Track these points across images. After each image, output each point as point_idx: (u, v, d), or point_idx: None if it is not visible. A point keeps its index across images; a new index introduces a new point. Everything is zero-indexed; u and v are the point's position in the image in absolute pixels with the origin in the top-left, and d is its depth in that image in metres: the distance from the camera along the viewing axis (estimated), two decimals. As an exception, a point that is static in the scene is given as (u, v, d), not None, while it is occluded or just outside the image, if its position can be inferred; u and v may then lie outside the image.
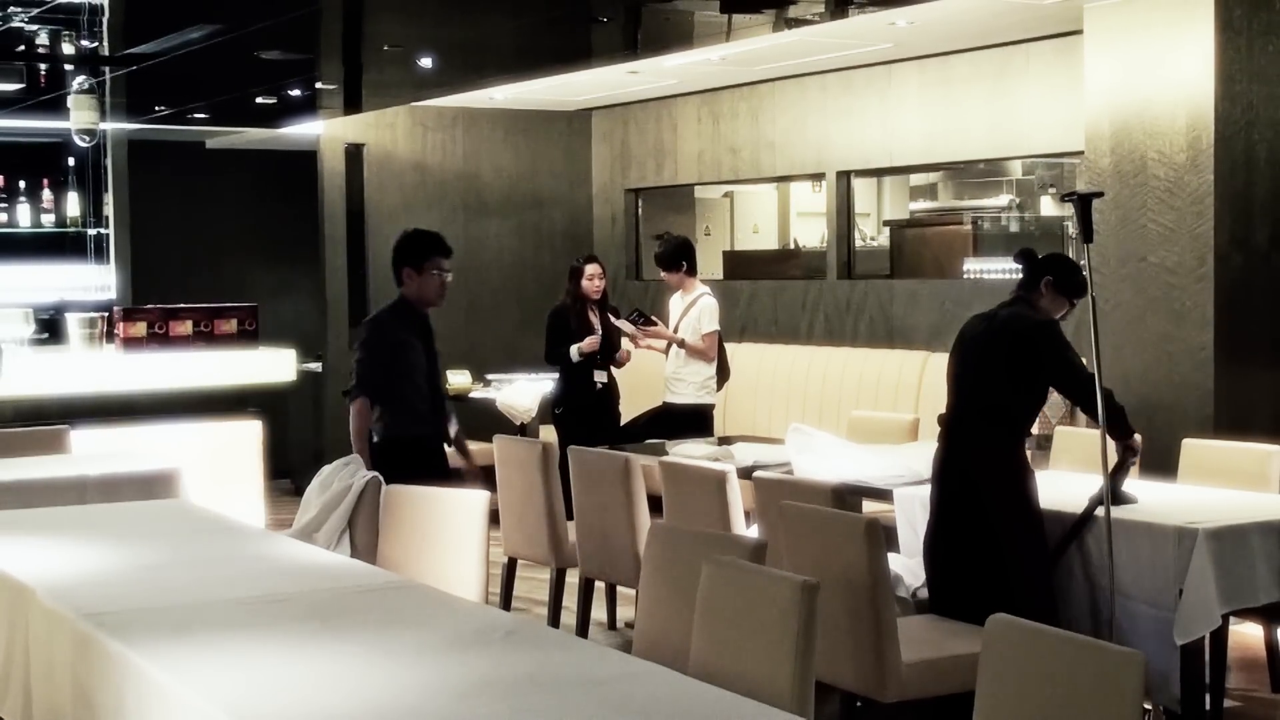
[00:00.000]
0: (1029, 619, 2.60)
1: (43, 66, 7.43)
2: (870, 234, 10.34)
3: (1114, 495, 4.27)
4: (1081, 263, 4.48)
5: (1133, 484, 4.44)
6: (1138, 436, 4.38)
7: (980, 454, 4.31)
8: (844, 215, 8.23)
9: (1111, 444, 4.27)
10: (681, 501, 5.01)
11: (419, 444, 5.06)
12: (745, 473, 5.19)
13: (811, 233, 10.53)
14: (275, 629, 2.84)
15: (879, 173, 9.31)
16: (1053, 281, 4.40)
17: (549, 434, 7.49)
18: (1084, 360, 4.38)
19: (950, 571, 4.32)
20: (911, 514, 4.74)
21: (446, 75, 7.81)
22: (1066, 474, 4.98)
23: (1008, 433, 4.32)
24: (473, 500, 3.83)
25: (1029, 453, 4.41)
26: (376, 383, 5.01)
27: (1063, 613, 4.21)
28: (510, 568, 5.78)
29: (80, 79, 6.68)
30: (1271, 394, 6.05)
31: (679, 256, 7.07)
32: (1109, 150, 6.21)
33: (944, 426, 4.44)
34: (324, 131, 9.15)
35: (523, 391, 7.93)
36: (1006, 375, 4.31)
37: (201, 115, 8.78)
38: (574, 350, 7.08)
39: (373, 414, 5.04)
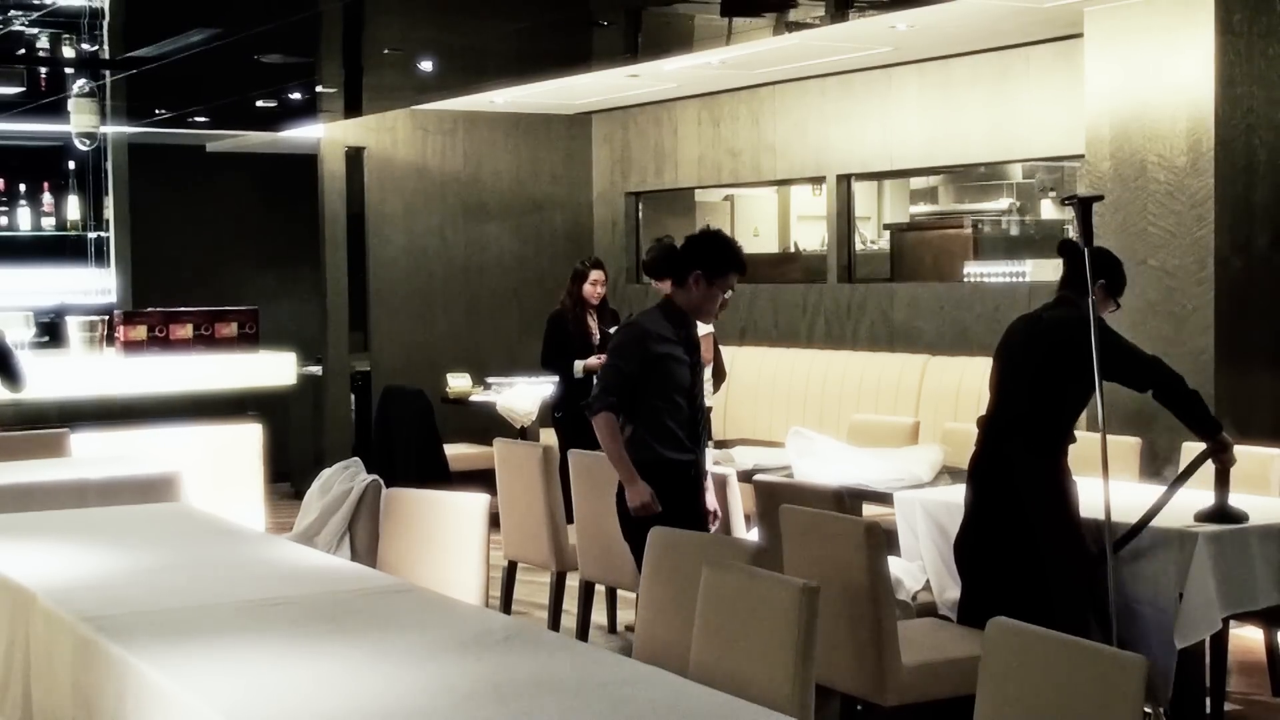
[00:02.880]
0: (1066, 631, 2.58)
1: (43, 70, 7.44)
2: (870, 237, 10.34)
3: (1222, 512, 4.14)
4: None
5: (1132, 487, 4.44)
6: (1224, 434, 4.22)
7: (1024, 459, 4.24)
8: (844, 218, 8.22)
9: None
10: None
11: (674, 469, 4.31)
12: (746, 476, 5.19)
13: (812, 236, 10.54)
14: (275, 632, 2.83)
15: (879, 176, 9.29)
16: (1105, 285, 4.33)
17: (549, 437, 7.49)
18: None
19: (985, 579, 4.25)
20: (912, 517, 4.74)
21: (447, 79, 7.81)
22: (1087, 480, 4.97)
23: (1053, 438, 4.26)
24: (473, 504, 3.82)
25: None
26: (622, 397, 4.26)
27: (1095, 623, 4.14)
28: (510, 571, 5.78)
29: (81, 82, 6.68)
30: (1272, 397, 6.05)
31: (667, 264, 7.06)
32: (1109, 154, 6.21)
33: (983, 429, 4.38)
34: (324, 135, 9.16)
35: (523, 395, 7.93)
36: (1056, 377, 4.24)
37: (202, 119, 8.78)
38: (578, 366, 7.08)
39: (623, 431, 4.32)
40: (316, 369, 9.18)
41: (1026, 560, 4.19)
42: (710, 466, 4.49)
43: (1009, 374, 4.37)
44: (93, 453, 5.53)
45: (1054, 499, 4.22)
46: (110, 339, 6.49)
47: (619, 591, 5.68)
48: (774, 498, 4.53)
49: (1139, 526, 4.13)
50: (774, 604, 2.78)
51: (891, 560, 4.16)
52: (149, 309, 6.66)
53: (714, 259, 4.31)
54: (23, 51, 7.27)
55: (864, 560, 3.78)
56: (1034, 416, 4.27)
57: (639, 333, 4.33)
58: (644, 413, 4.29)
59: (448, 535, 3.84)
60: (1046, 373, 4.26)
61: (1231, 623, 4.38)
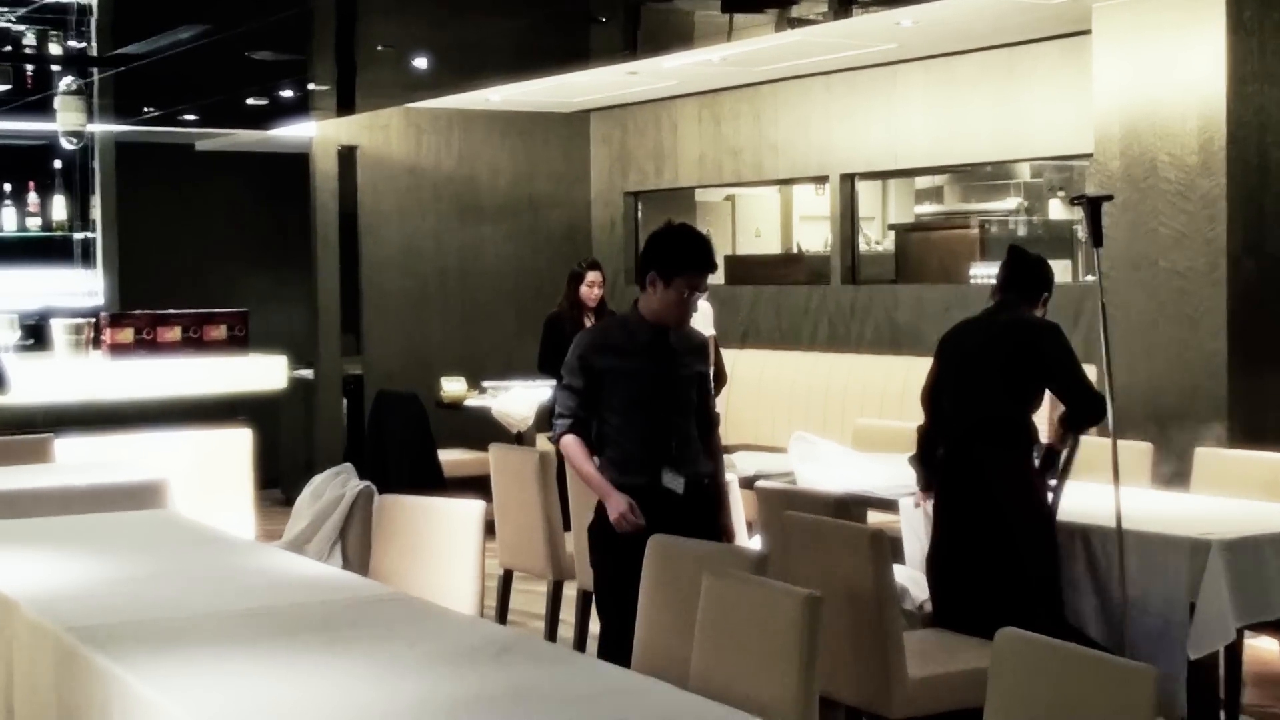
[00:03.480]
0: (1045, 632, 2.59)
1: (29, 67, 7.43)
2: (875, 238, 10.34)
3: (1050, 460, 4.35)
4: (1090, 277, 4.51)
5: (1143, 494, 4.43)
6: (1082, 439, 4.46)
7: (997, 465, 4.31)
8: (848, 219, 8.22)
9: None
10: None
11: (636, 495, 3.96)
12: (747, 482, 5.18)
13: (815, 237, 10.53)
14: (265, 643, 2.83)
15: (883, 175, 9.29)
16: (1048, 297, 4.53)
17: (546, 443, 7.48)
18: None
19: (962, 585, 4.32)
20: (917, 525, 4.73)
21: (441, 76, 7.81)
22: (1075, 484, 4.97)
23: (1023, 437, 4.35)
24: (468, 511, 3.82)
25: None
26: (580, 415, 4.02)
27: (1074, 625, 4.21)
28: (506, 580, 5.77)
29: (67, 80, 6.68)
30: (1286, 401, 6.04)
31: None
32: (1119, 153, 6.20)
33: (947, 438, 4.44)
34: (316, 133, 9.15)
35: (519, 399, 7.92)
36: (1020, 377, 4.34)
37: (191, 117, 8.77)
38: None
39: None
40: (308, 373, 9.17)
41: (1005, 562, 4.23)
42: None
43: (967, 378, 4.45)
44: (78, 458, 5.52)
45: (1029, 497, 4.29)
46: (96, 342, 6.48)
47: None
48: (776, 504, 4.52)
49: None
50: (776, 614, 2.77)
51: (897, 569, 4.14)
52: (136, 311, 6.64)
53: (666, 257, 3.97)
54: (9, 48, 7.26)
55: (868, 568, 3.77)
56: (1002, 417, 4.34)
57: (580, 344, 4.09)
58: (599, 432, 4.05)
59: (442, 543, 3.83)
60: (1012, 373, 4.35)
61: (1246, 633, 4.37)
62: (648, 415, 4.02)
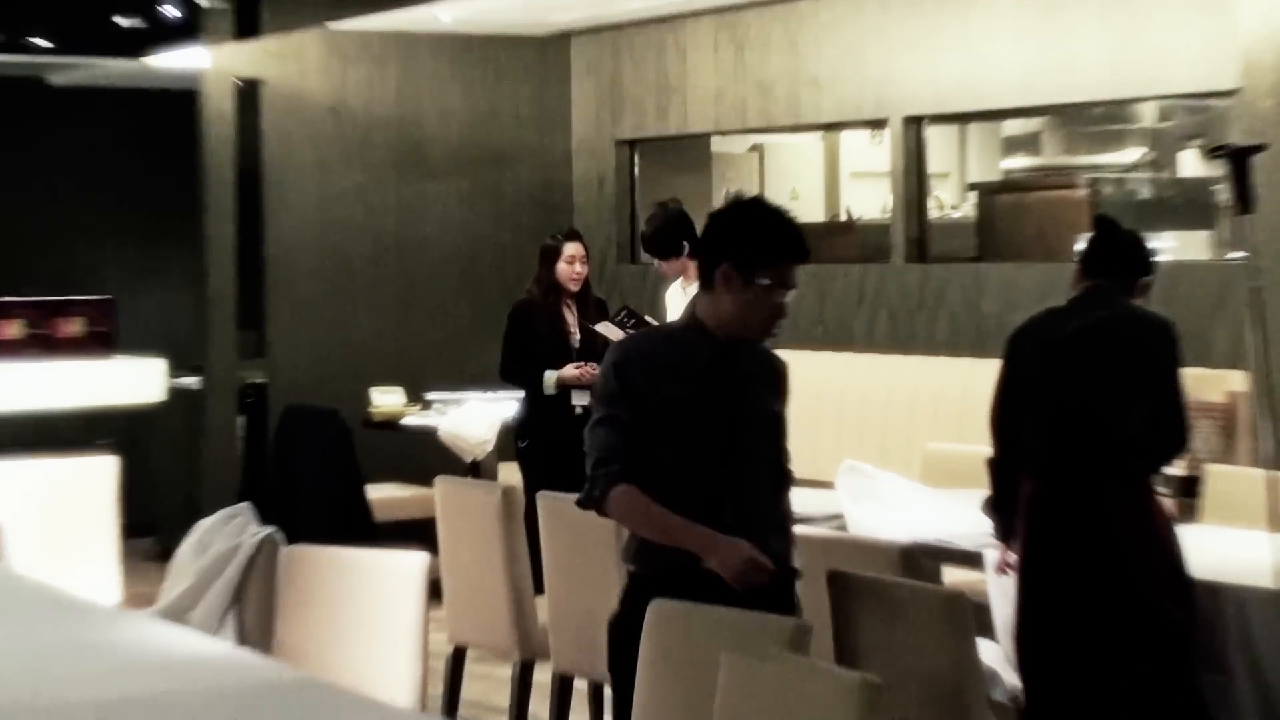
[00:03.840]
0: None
1: None
2: (950, 201, 10.37)
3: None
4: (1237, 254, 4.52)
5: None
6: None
7: (1119, 492, 4.36)
8: (914, 176, 8.24)
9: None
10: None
11: (678, 576, 3.68)
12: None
13: (870, 200, 10.55)
14: (130, 746, 2.80)
15: (960, 119, 9.35)
16: (1150, 283, 4.62)
17: (511, 474, 7.48)
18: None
19: (1065, 664, 4.32)
20: (1009, 587, 4.72)
21: (373, -13, 7.82)
22: (1221, 530, 4.95)
23: (1145, 468, 4.43)
24: (406, 567, 3.81)
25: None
26: (629, 461, 3.77)
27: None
28: (457, 659, 5.78)
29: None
30: None
31: (675, 237, 7.05)
32: (1272, 89, 6.20)
33: (1032, 470, 4.49)
34: (209, 64, 9.16)
35: (475, 417, 7.93)
36: (1132, 390, 4.41)
37: (42, 42, 8.77)
38: (550, 378, 7.08)
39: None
40: (193, 381, 9.17)
41: (1129, 632, 4.27)
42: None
43: (1058, 390, 4.51)
44: (-115, 495, 5.51)
45: (1160, 544, 4.35)
46: (-88, 340, 6.47)
47: (606, 687, 5.65)
48: (820, 557, 4.49)
49: None
50: (821, 703, 2.77)
51: (982, 644, 4.15)
52: (-35, 299, 6.64)
53: (747, 243, 3.79)
54: None
55: (944, 644, 3.78)
56: (1116, 440, 4.42)
57: (614, 359, 3.88)
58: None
59: (371, 610, 3.84)
60: (1124, 382, 4.44)
61: None
62: (700, 466, 3.81)
